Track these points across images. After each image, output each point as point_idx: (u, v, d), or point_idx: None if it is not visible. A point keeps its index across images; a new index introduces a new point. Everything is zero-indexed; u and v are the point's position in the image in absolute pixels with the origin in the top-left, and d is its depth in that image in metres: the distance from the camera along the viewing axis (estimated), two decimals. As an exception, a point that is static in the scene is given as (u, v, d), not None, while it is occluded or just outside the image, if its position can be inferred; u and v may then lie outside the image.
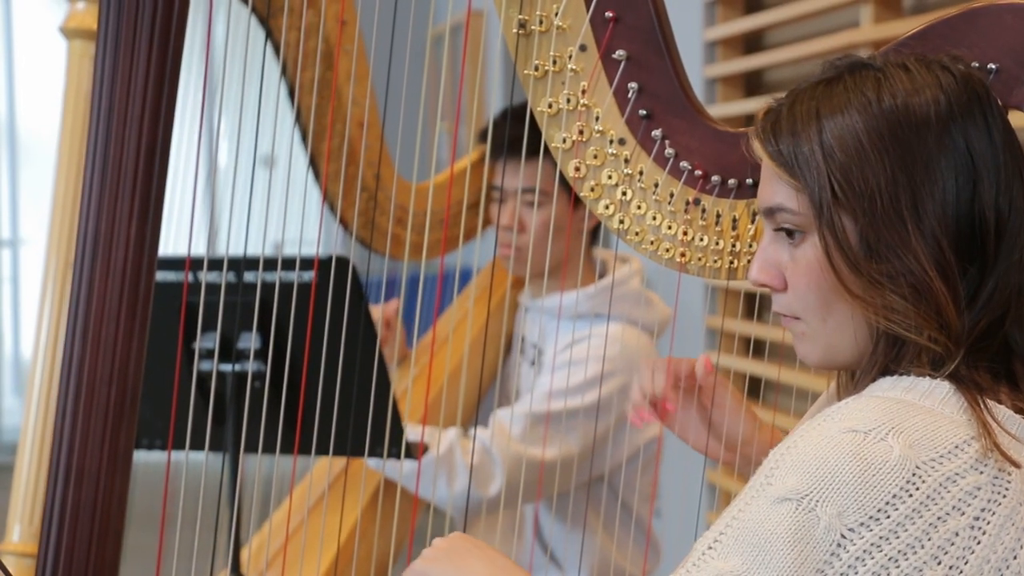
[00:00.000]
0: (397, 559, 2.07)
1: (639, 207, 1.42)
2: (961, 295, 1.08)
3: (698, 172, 1.40)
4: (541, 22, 1.39)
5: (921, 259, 1.08)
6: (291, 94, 2.00)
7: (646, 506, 2.20)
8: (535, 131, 1.44)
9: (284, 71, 1.97)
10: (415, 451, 1.77)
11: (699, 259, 1.41)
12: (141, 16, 0.99)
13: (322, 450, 1.73)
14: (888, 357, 1.11)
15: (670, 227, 1.42)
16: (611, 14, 1.37)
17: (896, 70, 1.12)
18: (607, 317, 2.13)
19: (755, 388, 3.21)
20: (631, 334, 2.12)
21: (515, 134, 2.08)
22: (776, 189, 1.15)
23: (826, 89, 1.13)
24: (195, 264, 1.68)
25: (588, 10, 1.38)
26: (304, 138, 2.04)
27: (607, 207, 1.43)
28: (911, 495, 1.01)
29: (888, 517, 1.01)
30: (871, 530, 1.01)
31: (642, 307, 2.16)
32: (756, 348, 3.18)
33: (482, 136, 2.28)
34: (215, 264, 1.68)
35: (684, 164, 1.40)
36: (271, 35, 1.95)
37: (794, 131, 1.12)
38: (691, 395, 1.48)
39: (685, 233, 1.41)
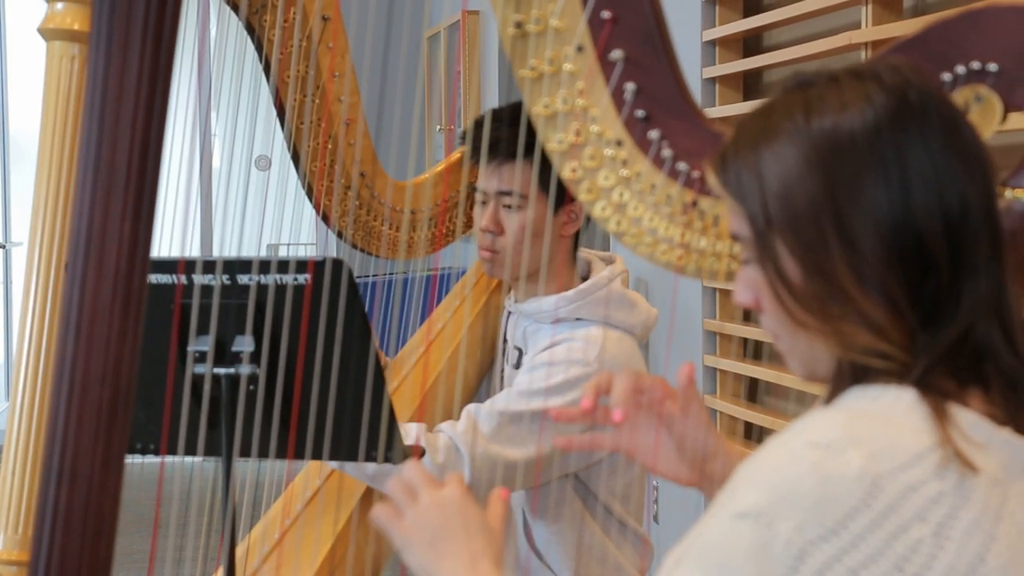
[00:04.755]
0: (388, 561, 2.06)
1: (636, 209, 1.40)
2: (907, 311, 1.07)
3: (696, 174, 1.39)
4: (537, 22, 1.37)
5: (847, 280, 1.07)
6: (275, 92, 1.98)
7: (627, 507, 2.19)
8: (515, 134, 1.43)
9: (267, 69, 1.96)
10: (411, 455, 1.75)
11: (697, 261, 1.40)
12: (134, 13, 0.98)
13: (316, 454, 1.72)
14: (854, 372, 1.11)
15: (668, 229, 1.40)
16: (608, 14, 1.36)
17: (827, 88, 1.11)
18: (587, 321, 2.12)
19: (753, 391, 3.21)
20: (612, 337, 2.11)
21: (497, 136, 2.08)
22: (732, 217, 1.15)
23: (764, 115, 1.13)
24: (189, 266, 1.67)
25: (585, 10, 1.36)
26: (288, 136, 2.03)
27: (603, 209, 1.41)
28: (870, 506, 1.00)
29: (848, 530, 1.00)
30: (831, 543, 1.00)
31: (624, 309, 2.14)
32: (754, 351, 3.19)
33: (463, 137, 2.28)
34: (209, 266, 1.67)
35: (682, 166, 1.39)
36: (254, 33, 1.94)
37: (737, 159, 1.13)
38: (651, 414, 1.48)
39: (683, 235, 1.40)
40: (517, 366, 2.20)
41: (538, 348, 2.13)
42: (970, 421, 1.06)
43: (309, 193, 2.09)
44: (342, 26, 1.99)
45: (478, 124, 2.17)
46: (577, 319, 2.12)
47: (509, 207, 2.14)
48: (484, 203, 2.19)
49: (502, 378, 2.27)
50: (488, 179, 2.16)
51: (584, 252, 2.26)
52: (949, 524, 1.01)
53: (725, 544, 1.03)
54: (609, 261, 2.22)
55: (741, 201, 1.12)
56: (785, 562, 1.01)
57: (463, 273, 2.53)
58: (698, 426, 1.46)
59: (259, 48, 1.94)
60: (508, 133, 2.02)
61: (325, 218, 2.14)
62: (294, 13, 1.93)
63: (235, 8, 1.89)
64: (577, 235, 2.22)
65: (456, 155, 2.42)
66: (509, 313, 2.27)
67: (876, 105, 1.08)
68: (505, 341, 2.26)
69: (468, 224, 2.42)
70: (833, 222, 1.07)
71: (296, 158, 2.05)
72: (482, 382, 2.34)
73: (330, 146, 2.06)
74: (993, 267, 1.09)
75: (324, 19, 1.97)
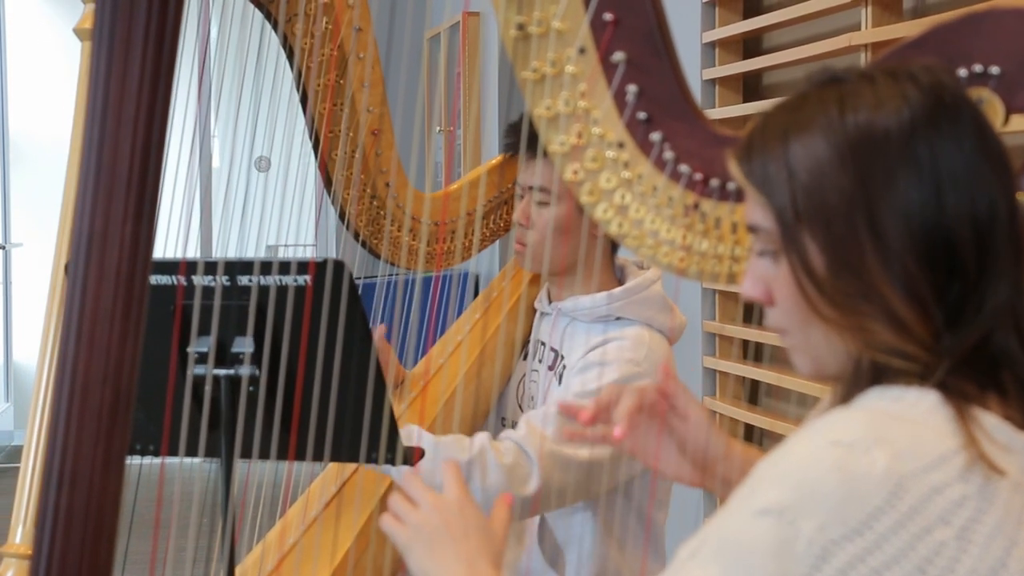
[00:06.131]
0: (398, 571, 2.06)
1: (638, 211, 1.40)
2: (934, 311, 1.07)
3: (697, 176, 1.38)
4: (539, 24, 1.37)
5: (878, 277, 1.07)
6: (303, 100, 1.99)
7: (661, 513, 2.20)
8: None
9: (298, 77, 1.97)
10: (411, 457, 1.75)
11: (699, 264, 1.40)
12: (136, 13, 0.98)
13: (316, 455, 1.72)
14: (873, 371, 1.11)
15: (669, 232, 1.40)
16: (610, 16, 1.36)
17: (862, 84, 1.11)
18: (627, 321, 2.13)
19: (754, 393, 3.21)
20: (655, 338, 2.12)
21: (534, 132, 2.10)
22: (753, 208, 1.14)
23: (795, 107, 1.13)
24: (189, 268, 1.67)
25: (587, 12, 1.36)
26: (316, 145, 2.04)
27: (605, 211, 1.41)
28: (895, 507, 1.00)
29: (872, 530, 1.00)
30: (854, 543, 1.00)
31: (664, 313, 2.16)
32: (755, 353, 3.18)
33: (508, 131, 2.30)
34: (210, 267, 1.67)
35: (683, 168, 1.39)
36: (286, 41, 1.95)
37: (764, 150, 1.12)
38: (651, 419, 1.50)
39: (684, 238, 1.39)
40: (551, 368, 2.20)
41: (579, 347, 2.13)
42: (993, 424, 1.06)
43: (334, 200, 2.10)
44: (372, 37, 2.00)
45: (522, 119, 2.19)
46: (618, 318, 2.13)
47: (541, 202, 2.16)
48: (522, 197, 2.22)
49: (532, 382, 2.27)
50: (523, 173, 2.20)
51: (618, 257, 2.27)
52: (972, 528, 1.01)
53: (745, 540, 1.02)
54: (642, 266, 2.23)
55: (766, 192, 1.12)
56: (807, 560, 1.01)
57: (465, 276, 2.53)
58: (698, 429, 1.47)
59: (290, 56, 1.95)
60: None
61: (352, 228, 2.15)
62: (327, 23, 1.93)
63: (268, 15, 1.90)
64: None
65: (454, 185, 2.43)
66: (543, 315, 2.28)
67: (912, 104, 1.08)
68: (542, 344, 2.26)
69: (467, 250, 2.43)
70: (865, 217, 1.07)
71: (324, 166, 2.06)
72: (503, 390, 2.34)
73: (356, 155, 2.07)
74: (1013, 273, 1.09)
75: (356, 29, 1.97)
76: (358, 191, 2.10)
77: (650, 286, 2.16)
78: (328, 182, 2.07)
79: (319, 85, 1.97)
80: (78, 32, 1.72)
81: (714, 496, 3.25)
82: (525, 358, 2.30)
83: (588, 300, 2.15)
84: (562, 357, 2.18)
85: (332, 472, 2.14)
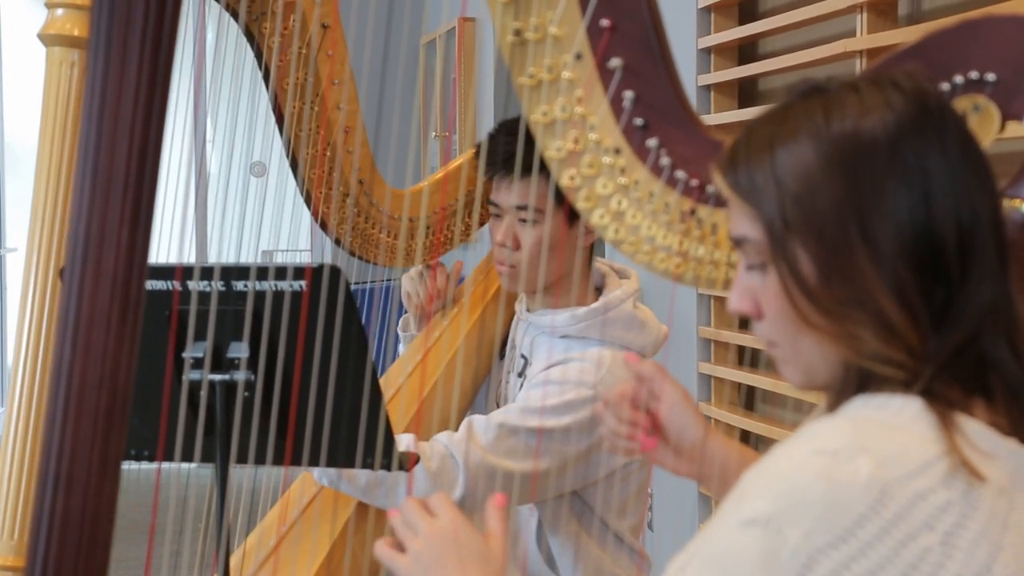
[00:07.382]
0: (384, 570, 2.06)
1: (634, 217, 1.40)
2: (923, 315, 1.07)
3: (694, 182, 1.39)
4: (536, 30, 1.37)
5: (872, 283, 1.07)
6: (274, 100, 1.98)
7: (623, 522, 2.19)
8: (530, 147, 1.43)
9: (267, 77, 1.96)
10: (407, 462, 1.75)
11: (695, 270, 1.40)
12: (133, 19, 0.98)
13: (312, 461, 1.72)
14: (860, 378, 1.11)
15: (666, 237, 1.40)
16: (607, 22, 1.36)
17: (846, 92, 1.11)
18: (593, 340, 2.11)
19: (750, 399, 3.21)
20: (617, 357, 2.09)
21: (511, 150, 2.07)
22: (739, 220, 1.14)
23: (779, 117, 1.13)
24: (185, 272, 1.66)
25: (584, 18, 1.36)
26: (287, 143, 2.03)
27: (601, 217, 1.41)
28: (879, 514, 1.01)
29: (856, 537, 1.00)
30: (839, 550, 1.00)
31: (634, 331, 2.13)
32: (751, 358, 3.19)
33: (477, 152, 2.26)
34: (205, 272, 1.67)
35: (680, 174, 1.39)
36: (253, 40, 1.94)
37: (749, 161, 1.12)
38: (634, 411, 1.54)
39: (681, 243, 1.40)
40: (521, 374, 2.19)
41: (543, 361, 2.12)
42: (976, 430, 1.06)
43: (307, 200, 2.09)
44: (341, 34, 1.99)
45: (493, 137, 2.15)
46: (584, 338, 2.12)
47: (525, 221, 2.13)
48: (499, 216, 2.17)
49: (506, 383, 2.27)
50: (503, 193, 2.14)
51: (600, 263, 2.24)
52: (957, 533, 1.01)
53: (732, 551, 1.03)
54: (623, 276, 2.21)
55: (753, 202, 1.11)
56: (793, 569, 1.01)
57: (462, 279, 2.54)
58: (671, 411, 1.51)
59: (259, 55, 1.94)
60: (524, 145, 2.01)
61: (323, 225, 2.14)
62: (294, 20, 1.93)
63: (235, 15, 1.89)
64: (593, 247, 2.21)
65: (455, 163, 2.43)
66: (518, 320, 2.27)
67: (898, 111, 1.09)
68: (513, 347, 2.26)
69: (466, 232, 2.42)
70: (857, 224, 1.07)
71: (295, 165, 2.05)
72: (479, 389, 2.34)
73: (328, 153, 2.06)
74: (998, 277, 1.09)
75: (324, 27, 1.97)
76: (330, 189, 2.10)
77: (619, 305, 2.13)
78: (300, 181, 2.07)
79: (287, 84, 1.97)
80: (42, 37, 1.71)
81: (709, 506, 3.26)
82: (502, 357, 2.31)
83: (557, 318, 2.13)
84: (530, 364, 2.17)
85: (310, 476, 2.13)
